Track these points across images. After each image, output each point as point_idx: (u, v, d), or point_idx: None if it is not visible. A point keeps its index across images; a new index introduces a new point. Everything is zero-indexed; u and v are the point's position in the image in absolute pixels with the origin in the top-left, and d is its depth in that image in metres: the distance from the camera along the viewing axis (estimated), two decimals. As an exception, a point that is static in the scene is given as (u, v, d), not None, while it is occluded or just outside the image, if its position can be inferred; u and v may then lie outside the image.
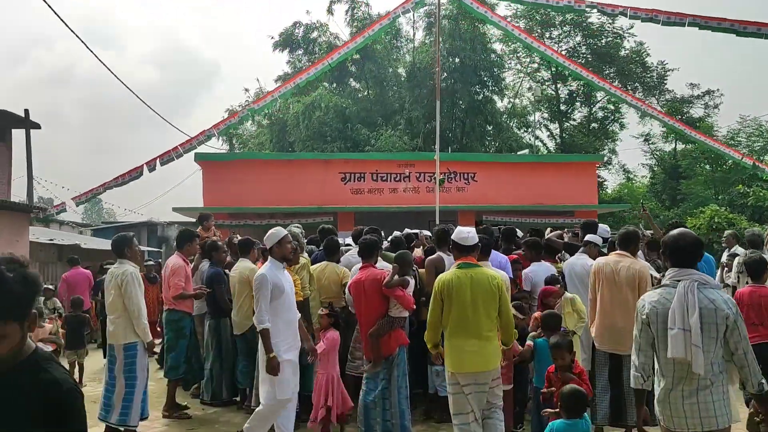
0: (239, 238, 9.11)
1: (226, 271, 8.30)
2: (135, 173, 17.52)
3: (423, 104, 31.68)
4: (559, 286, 6.86)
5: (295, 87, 19.81)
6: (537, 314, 6.51)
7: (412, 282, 6.54)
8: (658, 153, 39.99)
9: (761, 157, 33.82)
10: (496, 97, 34.09)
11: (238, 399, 8.21)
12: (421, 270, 7.62)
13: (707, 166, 37.21)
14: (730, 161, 35.87)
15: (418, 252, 8.94)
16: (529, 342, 6.14)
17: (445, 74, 32.18)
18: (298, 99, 30.76)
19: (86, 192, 18.05)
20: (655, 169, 40.16)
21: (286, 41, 33.59)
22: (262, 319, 5.66)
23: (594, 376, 6.23)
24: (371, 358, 6.24)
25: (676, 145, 39.43)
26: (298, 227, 8.39)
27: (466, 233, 5.64)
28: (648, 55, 36.68)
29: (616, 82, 37.20)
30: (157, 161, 17.39)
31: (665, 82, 37.02)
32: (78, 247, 18.52)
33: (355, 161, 20.39)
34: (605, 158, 21.67)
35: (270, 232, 6.13)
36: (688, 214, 32.41)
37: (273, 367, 5.61)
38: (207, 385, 8.30)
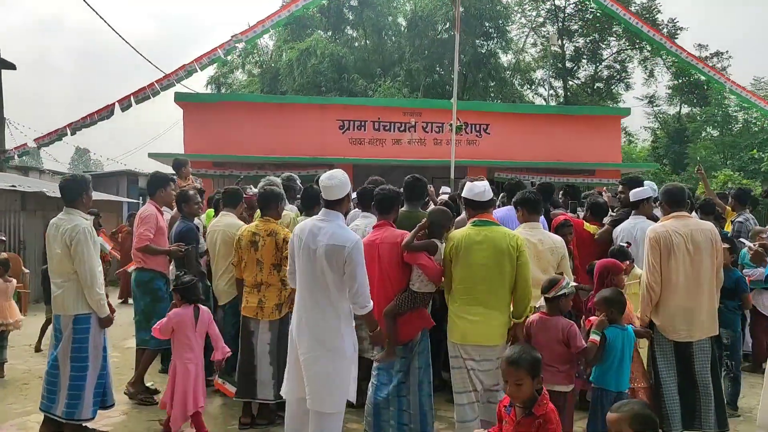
0: (252, 190, 7.59)
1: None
2: (105, 112, 14.84)
3: (424, 55, 29.07)
4: (628, 261, 5.42)
5: (289, 17, 16.94)
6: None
7: (441, 248, 4.81)
8: (662, 116, 37.51)
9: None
10: (500, 51, 31.44)
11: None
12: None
13: (714, 131, 34.85)
14: (739, 126, 33.67)
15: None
16: (594, 337, 4.44)
17: (448, 24, 29.44)
18: (292, 45, 28.01)
19: (50, 133, 15.27)
20: (658, 132, 37.75)
21: (280, -16, 30.43)
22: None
23: (655, 374, 4.97)
24: (385, 343, 4.71)
25: (680, 108, 36.98)
26: (293, 176, 7.34)
27: (481, 188, 4.82)
28: (659, 12, 33.92)
29: (624, 40, 34.56)
30: (131, 98, 14.69)
31: (676, 40, 34.23)
32: (43, 195, 15.90)
33: (354, 108, 17.65)
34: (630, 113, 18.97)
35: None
36: (695, 179, 30.24)
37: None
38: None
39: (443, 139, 17.47)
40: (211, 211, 7.81)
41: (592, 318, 4.67)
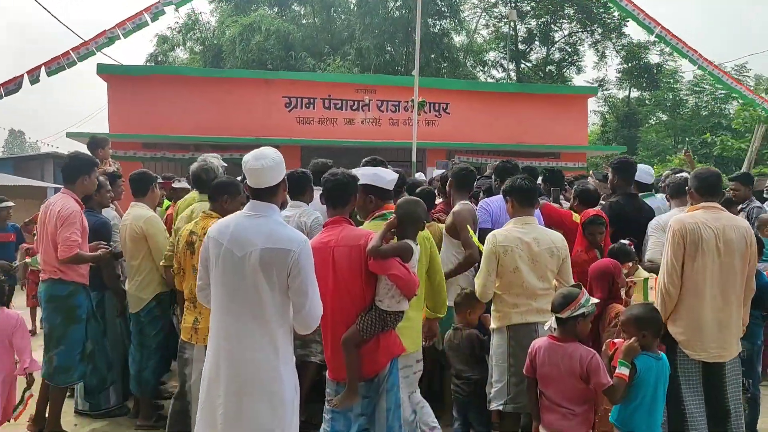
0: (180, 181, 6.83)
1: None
2: (12, 85, 12.49)
3: (375, 34, 27.10)
4: (632, 263, 4.40)
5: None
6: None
7: (417, 251, 3.54)
8: (611, 100, 36.56)
9: (723, 106, 30.92)
10: (452, 32, 29.76)
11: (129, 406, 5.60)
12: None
13: (663, 115, 34.10)
14: (688, 110, 32.97)
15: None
16: (622, 370, 3.32)
17: (399, 2, 27.62)
18: (235, 19, 25.73)
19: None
20: (607, 116, 36.81)
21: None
22: None
23: (675, 402, 3.80)
24: (344, 379, 3.44)
25: (630, 92, 36.09)
26: (216, 157, 5.57)
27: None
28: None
29: (575, 22, 33.34)
30: (42, 69, 12.42)
31: (626, 24, 33.19)
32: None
33: (302, 83, 15.60)
34: (597, 92, 17.54)
35: None
36: (647, 163, 29.34)
37: None
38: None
39: (400, 118, 15.70)
40: (167, 202, 6.65)
41: (616, 341, 3.53)
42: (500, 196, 4.95)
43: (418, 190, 5.66)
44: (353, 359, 3.37)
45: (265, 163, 2.99)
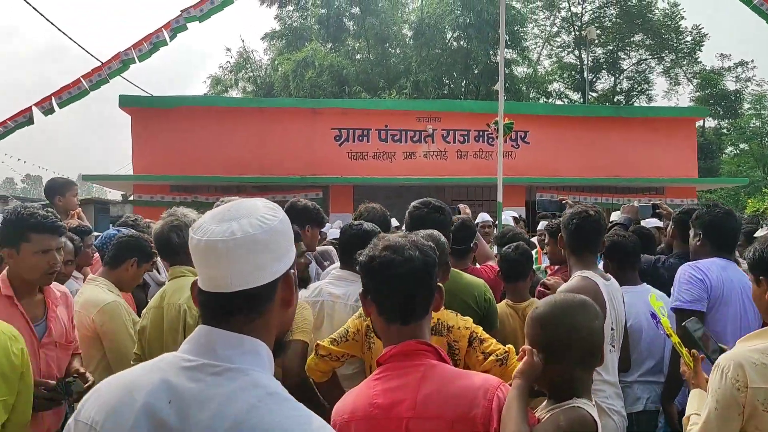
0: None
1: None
2: (22, 117, 10.14)
3: (432, 66, 24.34)
4: None
5: None
6: None
7: None
8: (684, 130, 32.63)
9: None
10: (513, 63, 26.74)
11: None
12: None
13: (744, 144, 29.94)
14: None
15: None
16: None
17: (458, 32, 24.87)
18: (288, 57, 23.47)
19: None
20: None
21: (275, -6, 25.80)
22: None
23: None
24: None
25: (704, 122, 32.09)
26: (191, 212, 3.16)
27: None
28: (682, 18, 29.17)
29: (643, 50, 29.85)
30: (53, 100, 10.02)
31: (701, 49, 29.51)
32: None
33: (354, 112, 12.68)
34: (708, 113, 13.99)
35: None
36: (733, 198, 25.39)
37: None
38: None
39: (470, 150, 12.60)
40: None
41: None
42: (715, 261, 3.02)
43: (510, 249, 3.53)
44: None
45: (233, 235, 1.13)
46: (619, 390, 2.73)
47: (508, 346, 2.25)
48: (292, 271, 1.20)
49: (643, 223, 5.70)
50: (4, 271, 2.64)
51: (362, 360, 2.54)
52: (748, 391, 1.80)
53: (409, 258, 1.65)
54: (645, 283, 3.48)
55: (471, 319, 2.35)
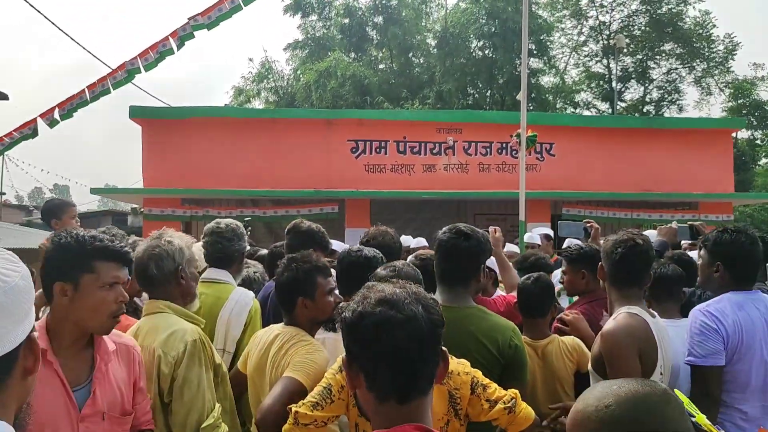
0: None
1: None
2: (26, 129, 9.81)
3: (456, 76, 23.77)
4: None
5: None
6: None
7: None
8: (717, 141, 31.46)
9: None
10: (540, 73, 26.03)
11: None
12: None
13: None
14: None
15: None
16: None
17: (483, 41, 24.29)
18: (310, 67, 23.13)
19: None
20: (712, 159, 31.66)
21: (298, 4, 25.48)
22: None
23: None
24: None
25: (737, 133, 30.91)
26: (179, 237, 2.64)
27: None
28: (714, 26, 28.11)
29: (673, 59, 28.83)
30: (56, 111, 9.66)
31: (734, 58, 28.40)
32: None
33: (371, 123, 12.10)
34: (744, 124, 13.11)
35: None
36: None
37: None
38: None
39: (492, 163, 11.94)
40: (257, 304, 3.27)
41: None
42: (731, 297, 2.61)
43: (530, 281, 3.16)
44: None
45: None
46: None
47: (512, 391, 2.01)
48: (33, 333, 1.04)
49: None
50: (44, 317, 1.95)
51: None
52: None
53: (412, 316, 1.26)
54: (685, 318, 2.96)
55: (468, 363, 2.06)
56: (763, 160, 30.26)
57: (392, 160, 11.83)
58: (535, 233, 7.17)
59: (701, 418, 1.92)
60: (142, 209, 11.90)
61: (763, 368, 2.53)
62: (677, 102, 29.47)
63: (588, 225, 4.52)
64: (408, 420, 1.22)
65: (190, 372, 2.23)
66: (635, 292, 2.52)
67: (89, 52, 11.80)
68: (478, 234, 2.46)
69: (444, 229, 2.49)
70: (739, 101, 28.95)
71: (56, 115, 9.61)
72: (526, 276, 3.22)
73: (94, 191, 11.60)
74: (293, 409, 1.95)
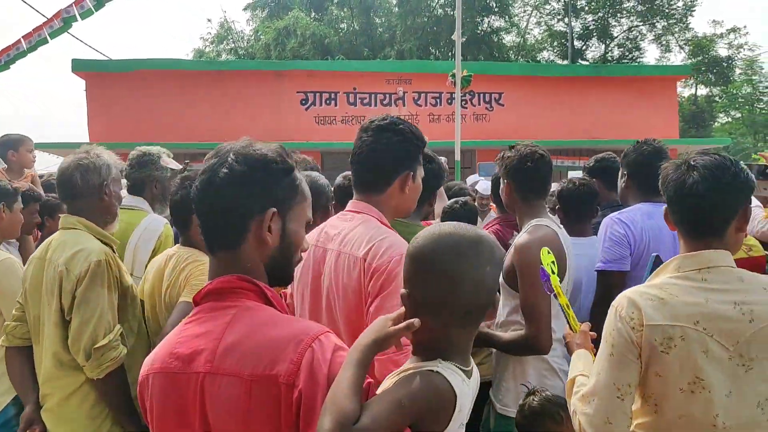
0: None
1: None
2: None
3: (417, 35, 23.56)
4: None
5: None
6: None
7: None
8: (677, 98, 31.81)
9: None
10: (502, 28, 25.92)
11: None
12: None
13: (737, 113, 29.16)
14: (763, 105, 28.04)
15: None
16: None
17: (444, 0, 24.07)
18: (269, 25, 22.74)
19: None
20: (672, 116, 32.06)
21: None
22: None
23: None
24: None
25: (696, 90, 31.29)
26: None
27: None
28: (670, -17, 28.14)
29: (634, 17, 28.91)
30: (-10, 63, 9.33)
31: (693, 14, 28.54)
32: None
33: (321, 75, 11.96)
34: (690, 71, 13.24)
35: None
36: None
37: None
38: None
39: (442, 113, 11.92)
40: (169, 230, 3.20)
41: None
42: (641, 207, 2.67)
43: (457, 204, 3.39)
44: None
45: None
46: None
47: None
48: None
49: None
50: None
51: None
52: (644, 330, 1.51)
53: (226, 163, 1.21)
54: (593, 236, 2.94)
55: None
56: (721, 117, 30.77)
57: (342, 112, 11.72)
58: (485, 183, 7.18)
59: (555, 279, 1.97)
60: (89, 165, 11.64)
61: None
62: (638, 60, 29.62)
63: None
64: (227, 271, 1.24)
65: (91, 292, 2.18)
66: (541, 204, 2.51)
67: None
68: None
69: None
70: (698, 58, 29.21)
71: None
72: (453, 200, 3.35)
73: (38, 145, 11.28)
74: None
